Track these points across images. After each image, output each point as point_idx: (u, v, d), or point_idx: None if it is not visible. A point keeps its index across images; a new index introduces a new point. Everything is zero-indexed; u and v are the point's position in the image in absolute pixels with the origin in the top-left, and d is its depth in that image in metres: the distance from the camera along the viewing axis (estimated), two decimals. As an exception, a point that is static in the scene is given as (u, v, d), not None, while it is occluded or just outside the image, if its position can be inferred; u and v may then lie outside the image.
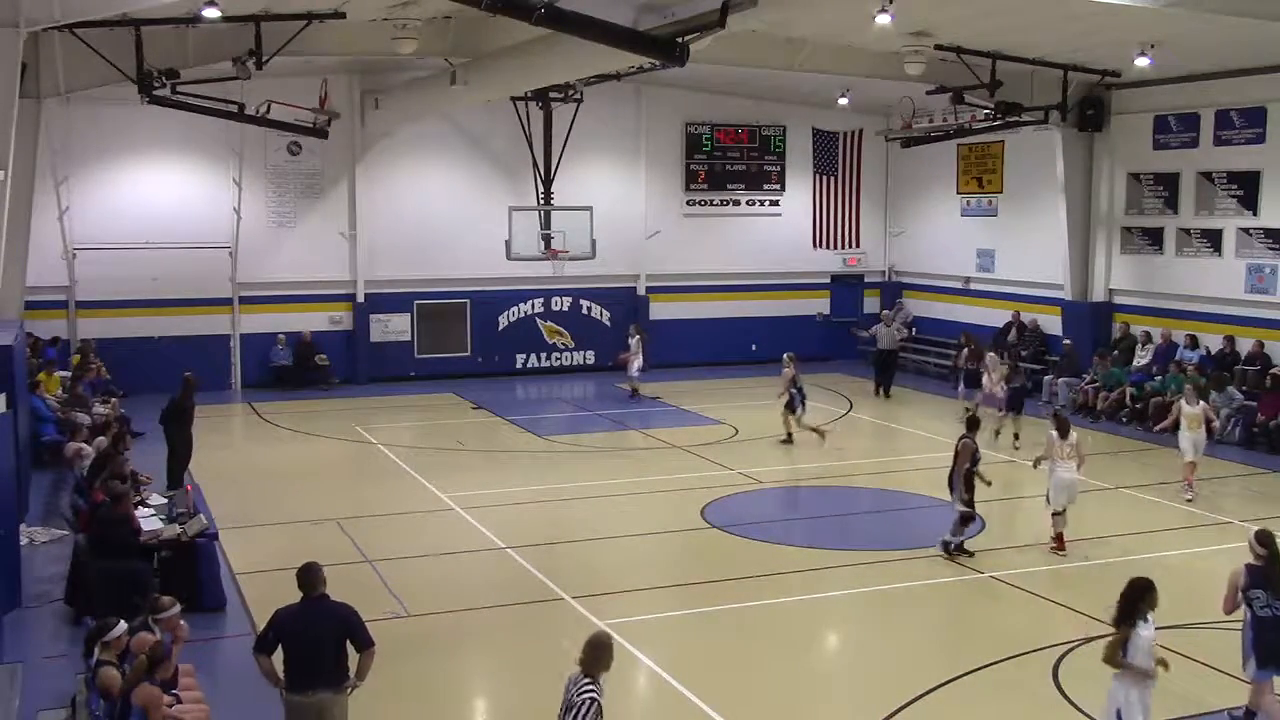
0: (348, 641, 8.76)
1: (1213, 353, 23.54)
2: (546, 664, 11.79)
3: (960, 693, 10.79)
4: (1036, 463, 15.76)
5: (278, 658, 8.70)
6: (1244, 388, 22.21)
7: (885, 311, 28.21)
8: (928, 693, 10.68)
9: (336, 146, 26.58)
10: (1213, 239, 24.03)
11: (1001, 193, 29.28)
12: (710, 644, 12.28)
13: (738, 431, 22.72)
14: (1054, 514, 15.14)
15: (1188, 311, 24.59)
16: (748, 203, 31.53)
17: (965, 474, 14.84)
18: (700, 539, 15.97)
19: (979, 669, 11.27)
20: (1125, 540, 15.66)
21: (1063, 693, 10.76)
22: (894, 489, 18.49)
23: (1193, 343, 24.05)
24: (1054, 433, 15.32)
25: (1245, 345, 23.12)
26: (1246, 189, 23.32)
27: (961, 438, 15.11)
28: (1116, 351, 25.17)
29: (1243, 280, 23.43)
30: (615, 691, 11.32)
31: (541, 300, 29.90)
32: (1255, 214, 23.17)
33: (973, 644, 11.94)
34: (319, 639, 8.65)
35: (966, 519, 14.86)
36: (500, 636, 12.53)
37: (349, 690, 8.75)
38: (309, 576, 8.81)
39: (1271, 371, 22.02)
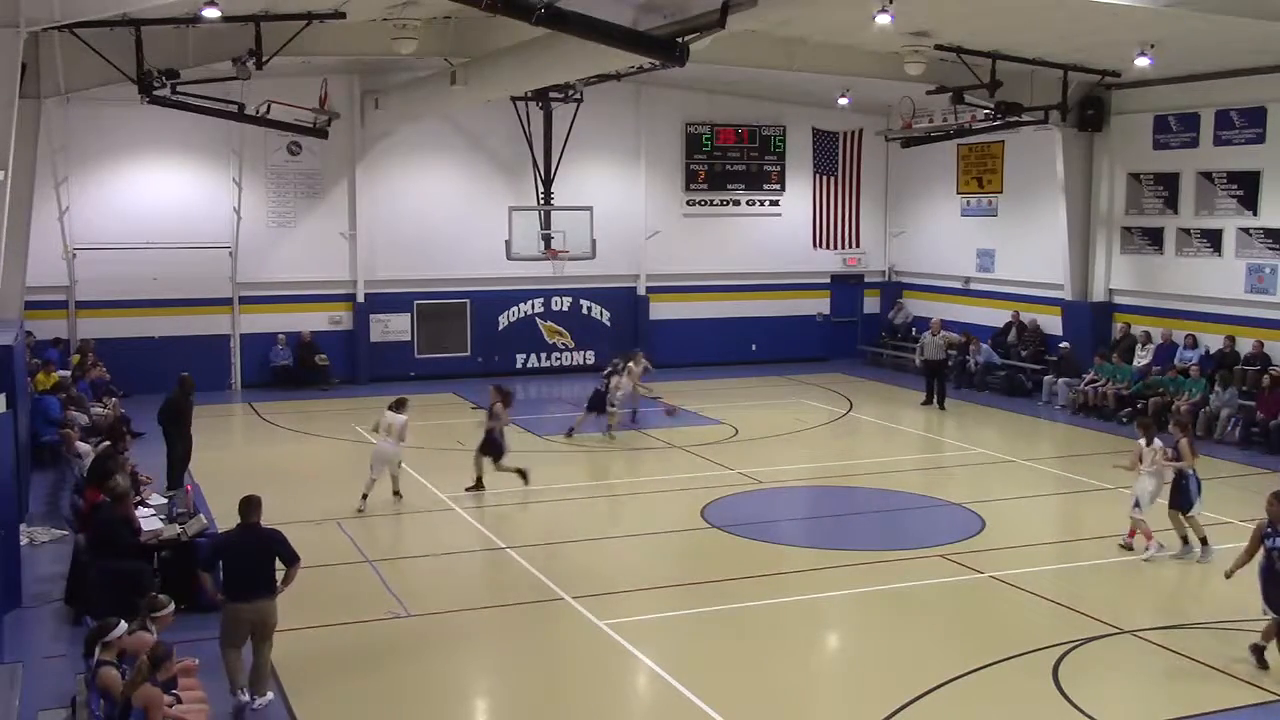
0: (276, 559, 10.53)
1: (1212, 352, 23.55)
2: (545, 664, 11.84)
3: (960, 693, 10.78)
4: None
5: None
6: (1244, 387, 22.22)
7: (935, 320, 27.46)
8: (928, 693, 10.68)
9: (336, 146, 26.59)
10: (1213, 239, 24.04)
11: (1001, 193, 29.29)
12: (710, 644, 12.27)
13: (738, 431, 22.72)
14: None
15: (1188, 311, 24.59)
16: (748, 203, 31.52)
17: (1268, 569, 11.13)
18: (700, 539, 15.97)
19: (979, 669, 11.26)
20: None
21: (1063, 693, 10.75)
22: (894, 489, 18.46)
23: (1193, 343, 24.06)
24: None
25: (1246, 345, 23.13)
26: (1246, 189, 23.32)
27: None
28: (1116, 354, 25.15)
29: (1243, 280, 23.44)
30: (616, 692, 11.35)
31: (541, 300, 29.92)
32: (1255, 214, 23.17)
33: (973, 644, 11.93)
34: (253, 557, 10.43)
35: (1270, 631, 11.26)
36: (500, 636, 12.52)
37: (277, 595, 10.55)
38: (247, 506, 10.63)
39: (1270, 371, 22.03)
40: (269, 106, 22.77)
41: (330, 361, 27.79)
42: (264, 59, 19.52)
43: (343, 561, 14.71)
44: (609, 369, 22.96)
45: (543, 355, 30.06)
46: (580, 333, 30.31)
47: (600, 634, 12.25)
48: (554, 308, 30.07)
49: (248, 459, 20.92)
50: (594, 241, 27.10)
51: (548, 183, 27.65)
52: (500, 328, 29.62)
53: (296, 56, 20.76)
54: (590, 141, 28.63)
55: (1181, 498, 14.69)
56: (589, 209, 27.15)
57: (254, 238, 27.20)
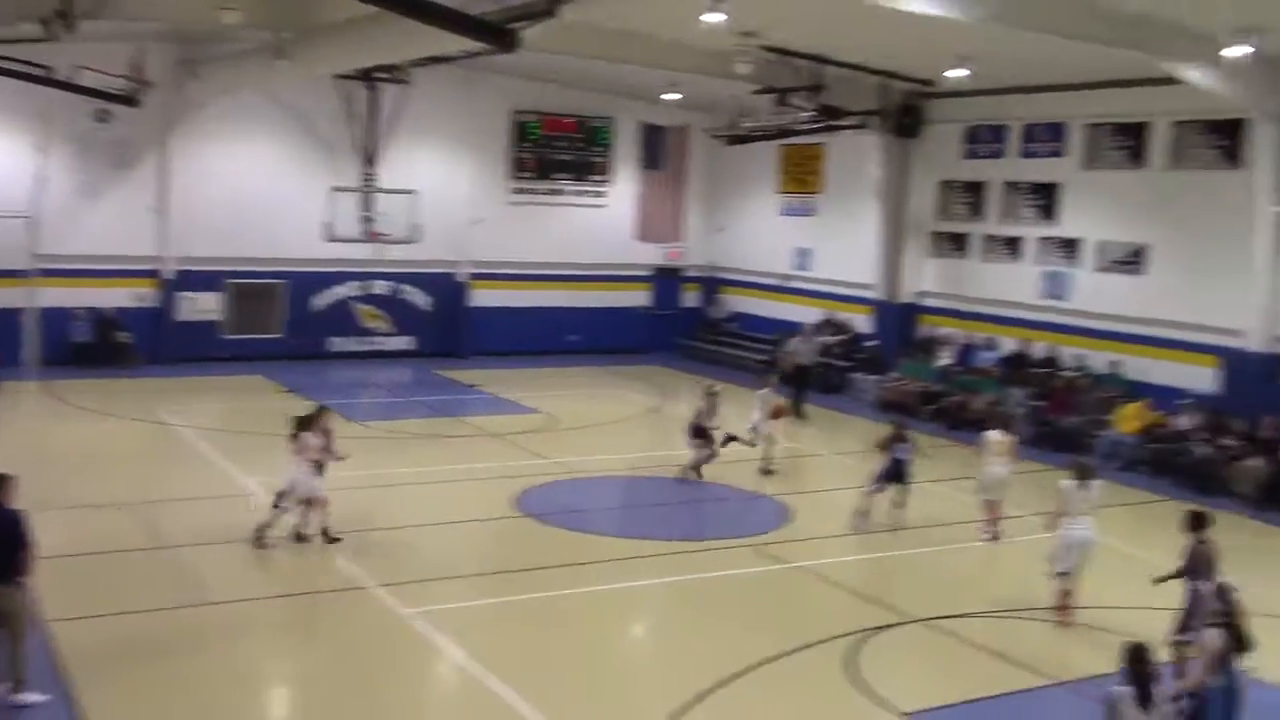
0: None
1: (1009, 354, 24.72)
2: (347, 653, 11.61)
3: (760, 680, 11.05)
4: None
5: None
6: (1035, 388, 23.34)
7: (807, 324, 27.34)
8: (730, 680, 10.90)
9: (150, 116, 25.42)
10: (1014, 246, 25.20)
11: (820, 194, 30.09)
12: (517, 633, 12.25)
13: (556, 420, 22.76)
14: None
15: (988, 314, 25.74)
16: (573, 193, 31.58)
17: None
18: (513, 527, 15.96)
19: (780, 656, 11.55)
20: (928, 531, 16.29)
21: (859, 681, 11.13)
22: (706, 480, 18.71)
23: (991, 344, 25.21)
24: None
25: (1041, 349, 24.34)
26: (1047, 200, 24.53)
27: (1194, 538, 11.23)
28: (920, 353, 26.16)
29: (1039, 286, 24.64)
30: (418, 680, 11.24)
31: (360, 284, 29.32)
32: (1053, 224, 24.39)
33: (775, 633, 12.21)
34: None
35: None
36: (301, 625, 12.29)
37: (18, 584, 9.92)
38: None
39: (1060, 373, 23.26)
40: (78, 71, 21.71)
41: (134, 339, 26.67)
42: (75, 21, 18.57)
43: (126, 549, 14.14)
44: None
45: (360, 339, 29.49)
46: (399, 318, 29.87)
47: (404, 623, 12.12)
48: (373, 291, 29.53)
49: (36, 439, 19.89)
50: (417, 226, 26.78)
51: (371, 164, 27.17)
52: (315, 310, 28.92)
53: (112, 21, 19.87)
54: (416, 124, 28.20)
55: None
56: (413, 193, 26.80)
57: (56, 208, 25.86)
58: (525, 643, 11.92)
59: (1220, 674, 8.91)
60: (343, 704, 10.45)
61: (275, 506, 14.41)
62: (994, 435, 16.28)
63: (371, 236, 26.52)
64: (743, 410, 20.19)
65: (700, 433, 18.66)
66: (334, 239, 26.18)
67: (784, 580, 14.23)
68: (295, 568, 13.87)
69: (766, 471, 19.15)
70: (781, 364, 25.68)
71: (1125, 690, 7.81)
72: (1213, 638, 8.99)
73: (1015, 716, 10.79)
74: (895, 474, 16.36)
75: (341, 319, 29.26)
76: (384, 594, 12.83)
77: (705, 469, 18.50)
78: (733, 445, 18.98)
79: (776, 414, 19.77)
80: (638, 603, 13.56)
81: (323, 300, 28.98)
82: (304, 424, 14.70)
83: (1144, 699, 7.74)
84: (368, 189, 26.73)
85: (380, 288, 29.55)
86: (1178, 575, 11.03)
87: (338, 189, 26.36)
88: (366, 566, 13.68)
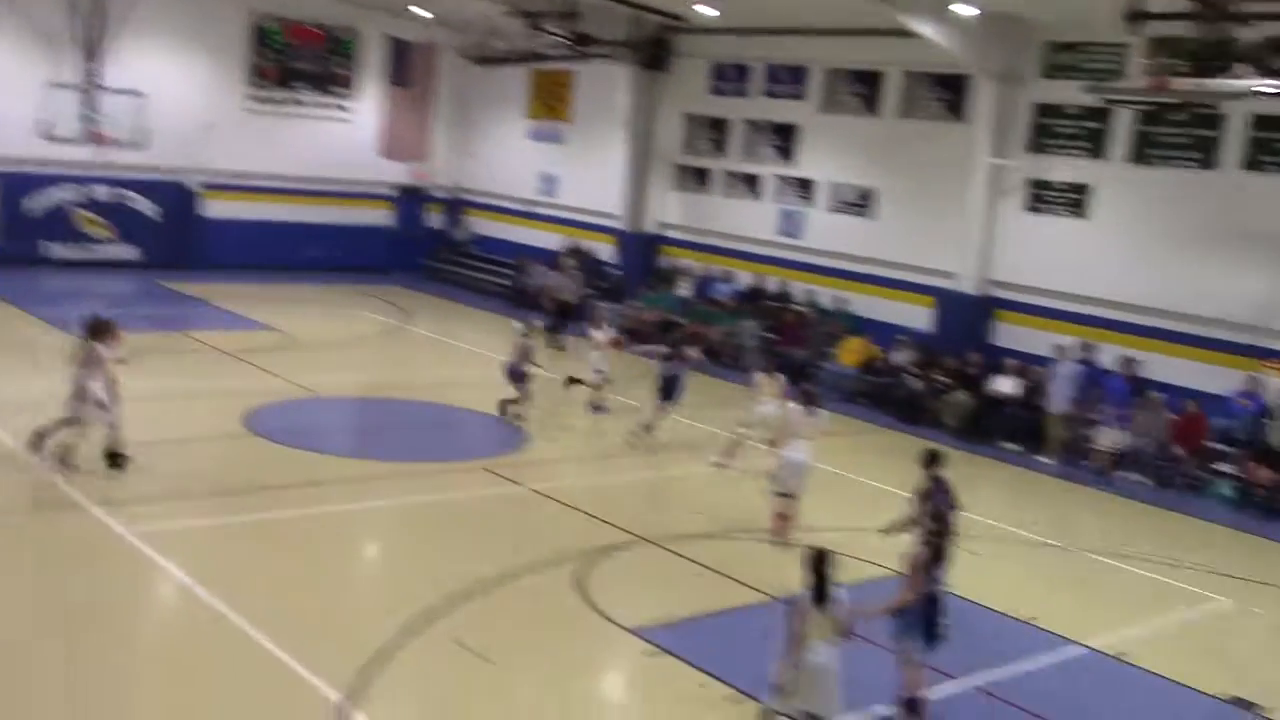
0: None
1: (744, 288, 25.61)
2: (61, 575, 11.08)
3: (492, 599, 11.21)
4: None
5: None
6: (768, 321, 24.30)
7: (563, 256, 26.91)
8: (461, 598, 11.02)
9: None
10: (753, 184, 26.00)
11: (570, 122, 30.13)
12: (243, 553, 11.97)
13: (291, 338, 22.15)
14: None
15: (726, 249, 26.52)
16: (315, 105, 30.51)
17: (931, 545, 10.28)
18: (242, 446, 15.50)
19: (512, 575, 11.76)
20: (663, 456, 16.79)
21: (588, 598, 11.45)
22: (445, 403, 18.68)
23: (728, 277, 26.04)
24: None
25: (778, 284, 25.30)
26: (785, 140, 25.37)
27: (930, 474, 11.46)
28: (660, 284, 26.75)
29: (775, 223, 25.56)
30: (139, 604, 10.84)
31: (80, 187, 27.49)
32: (791, 164, 25.27)
33: (508, 552, 12.39)
34: None
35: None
36: (9, 548, 11.60)
37: None
38: None
39: (791, 307, 24.30)
40: None
41: None
42: None
43: None
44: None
45: (79, 246, 27.71)
46: (124, 226, 28.21)
47: (124, 544, 11.64)
48: (94, 197, 27.75)
49: None
50: (145, 130, 25.35)
51: (96, 62, 25.41)
52: (29, 213, 26.96)
53: None
54: (148, 23, 26.47)
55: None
56: (141, 95, 25.30)
57: None
58: (251, 563, 11.68)
59: (926, 585, 9.65)
60: (54, 630, 9.97)
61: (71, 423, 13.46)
62: (764, 377, 16.51)
63: (93, 138, 24.92)
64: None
65: (518, 374, 17.99)
66: (51, 138, 24.46)
67: (518, 502, 14.41)
68: (5, 487, 13.06)
69: (598, 408, 18.95)
70: (542, 298, 25.73)
71: (805, 592, 8.38)
72: (920, 554, 9.76)
73: (733, 629, 11.34)
74: (667, 392, 17.00)
75: (59, 224, 27.41)
76: (102, 514, 12.28)
77: (511, 408, 17.97)
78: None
79: (614, 345, 19.61)
80: (368, 523, 13.47)
81: (38, 203, 27.06)
82: (94, 333, 13.76)
83: (820, 598, 8.31)
84: (90, 87, 25.04)
85: (103, 193, 27.81)
86: (916, 506, 11.66)
87: (56, 85, 24.58)
88: (83, 486, 13.04)
